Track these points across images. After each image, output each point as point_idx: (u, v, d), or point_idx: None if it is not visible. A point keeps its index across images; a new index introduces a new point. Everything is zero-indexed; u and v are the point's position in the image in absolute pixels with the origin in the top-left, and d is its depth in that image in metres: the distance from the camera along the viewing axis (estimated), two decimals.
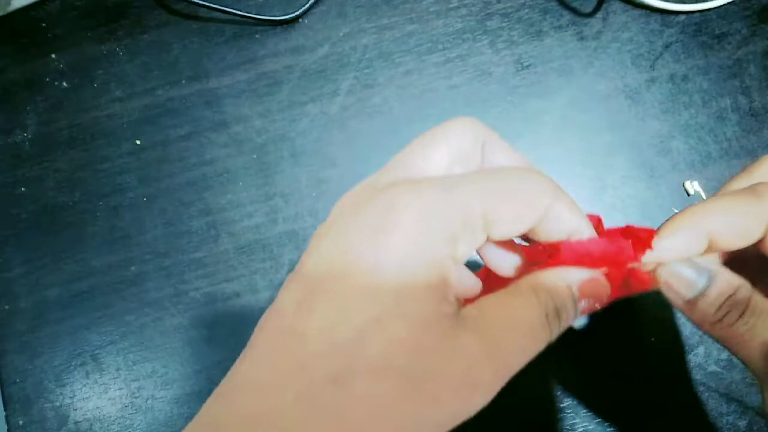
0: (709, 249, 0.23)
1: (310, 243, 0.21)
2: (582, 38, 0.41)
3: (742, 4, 0.41)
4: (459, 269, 0.21)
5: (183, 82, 0.42)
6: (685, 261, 0.23)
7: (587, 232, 0.23)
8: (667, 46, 0.41)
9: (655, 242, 0.23)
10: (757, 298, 0.22)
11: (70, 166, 0.41)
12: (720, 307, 0.22)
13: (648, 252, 0.23)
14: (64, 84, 0.42)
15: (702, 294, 0.23)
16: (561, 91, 0.41)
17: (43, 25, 0.43)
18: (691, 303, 0.23)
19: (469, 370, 0.19)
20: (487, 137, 0.23)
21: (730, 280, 0.23)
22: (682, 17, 0.41)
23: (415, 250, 0.19)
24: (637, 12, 0.41)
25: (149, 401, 0.39)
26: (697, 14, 0.41)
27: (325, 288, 0.19)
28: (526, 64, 0.41)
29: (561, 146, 0.40)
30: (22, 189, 0.41)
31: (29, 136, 0.42)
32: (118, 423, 0.39)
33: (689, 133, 0.40)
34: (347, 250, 0.19)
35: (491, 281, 0.24)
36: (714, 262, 0.24)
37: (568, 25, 0.42)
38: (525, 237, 0.24)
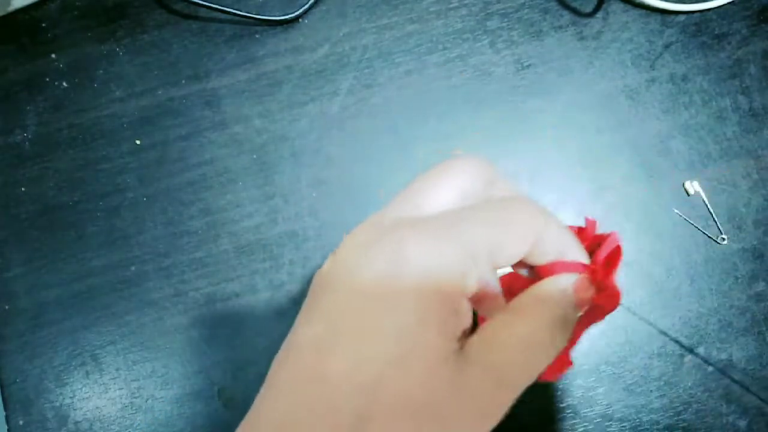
0: None
1: (321, 276, 0.22)
2: (582, 38, 0.41)
3: (742, 4, 0.41)
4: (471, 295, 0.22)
5: (183, 82, 0.42)
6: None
7: (574, 251, 0.23)
8: (667, 46, 0.41)
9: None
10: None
11: (70, 166, 0.41)
12: None
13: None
14: (64, 84, 0.42)
15: None
16: (561, 91, 0.41)
17: (43, 25, 0.43)
18: None
19: (478, 403, 0.20)
20: (492, 176, 0.24)
21: None
22: (682, 17, 0.41)
23: (427, 291, 0.19)
24: (637, 12, 0.41)
25: (149, 401, 0.39)
26: (697, 14, 0.41)
27: (342, 328, 0.20)
28: (526, 64, 0.41)
29: (561, 146, 0.40)
30: (22, 189, 0.41)
31: (29, 136, 0.42)
32: (118, 423, 0.39)
33: (689, 133, 0.40)
34: (361, 290, 0.20)
35: (515, 287, 0.24)
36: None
37: (568, 25, 0.42)
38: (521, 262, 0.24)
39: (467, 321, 0.21)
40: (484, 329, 0.21)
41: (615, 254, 0.24)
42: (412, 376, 0.19)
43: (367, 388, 0.19)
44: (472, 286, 0.20)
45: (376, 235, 0.21)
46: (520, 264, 0.24)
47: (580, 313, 0.23)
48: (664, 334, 0.38)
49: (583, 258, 0.23)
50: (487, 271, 0.21)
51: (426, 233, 0.20)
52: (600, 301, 0.23)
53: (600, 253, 0.24)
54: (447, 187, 0.23)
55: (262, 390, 0.21)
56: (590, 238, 0.25)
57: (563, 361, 0.26)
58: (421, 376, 0.19)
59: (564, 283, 0.22)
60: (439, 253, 0.20)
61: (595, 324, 0.25)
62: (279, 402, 0.20)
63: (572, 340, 0.25)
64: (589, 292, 0.23)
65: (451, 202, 0.22)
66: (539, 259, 0.23)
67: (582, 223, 0.26)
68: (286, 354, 0.21)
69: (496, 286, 0.22)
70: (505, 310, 0.22)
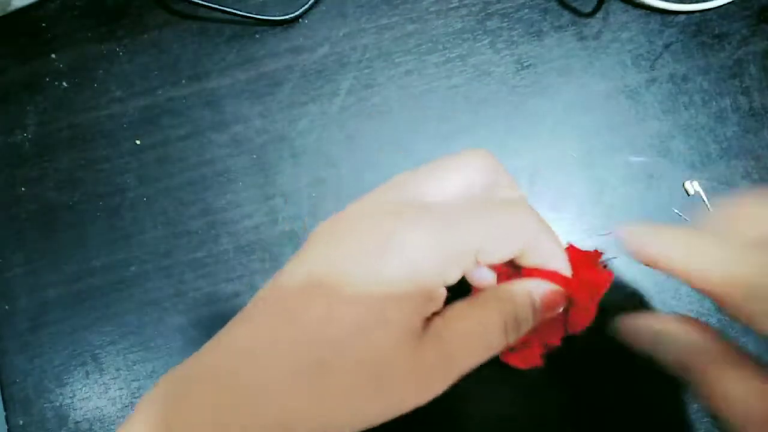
0: None
1: (322, 227, 0.24)
2: (582, 38, 0.41)
3: (742, 4, 0.41)
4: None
5: (183, 82, 0.42)
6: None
7: (557, 262, 0.25)
8: (667, 46, 0.41)
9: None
10: None
11: (70, 166, 0.41)
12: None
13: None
14: (64, 84, 0.42)
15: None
16: (561, 91, 0.41)
17: (43, 25, 0.43)
18: None
19: (425, 378, 0.22)
20: (497, 173, 0.25)
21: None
22: (682, 17, 0.41)
23: (409, 276, 0.22)
24: (637, 12, 0.41)
25: None
26: (697, 14, 0.41)
27: (326, 286, 0.22)
28: (526, 64, 0.41)
29: (561, 146, 0.40)
30: (22, 189, 0.41)
31: (29, 136, 0.42)
32: (118, 423, 0.39)
33: (689, 133, 0.40)
34: (350, 257, 0.22)
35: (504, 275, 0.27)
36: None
37: (568, 25, 0.42)
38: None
39: (439, 305, 0.23)
40: (447, 311, 0.24)
41: (601, 281, 0.26)
42: (375, 344, 0.21)
43: (334, 342, 0.21)
44: (454, 278, 0.23)
45: (379, 211, 0.23)
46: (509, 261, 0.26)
47: (535, 319, 0.25)
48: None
49: (563, 270, 0.25)
50: (470, 267, 0.23)
51: (422, 227, 0.22)
52: (573, 315, 0.26)
53: (585, 273, 0.26)
54: (452, 180, 0.24)
55: (236, 317, 0.24)
56: (590, 265, 0.27)
57: (534, 356, 0.29)
58: (384, 345, 0.21)
59: (527, 287, 0.25)
60: (429, 250, 0.22)
61: (571, 333, 0.28)
62: (256, 335, 0.22)
63: (543, 341, 0.28)
64: (555, 301, 0.25)
65: (454, 195, 0.24)
66: (524, 262, 0.25)
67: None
68: (270, 290, 0.23)
69: (475, 281, 0.25)
70: (470, 299, 0.24)
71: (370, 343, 0.21)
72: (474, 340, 0.23)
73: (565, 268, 0.26)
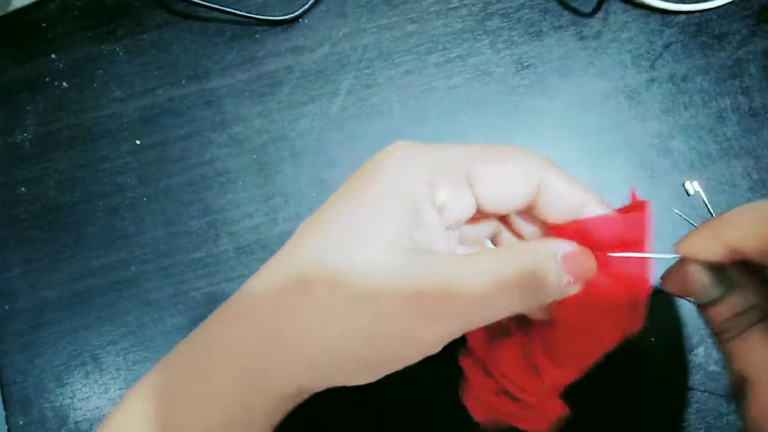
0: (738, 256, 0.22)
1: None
2: (582, 38, 0.41)
3: (742, 4, 0.41)
4: (440, 224, 0.22)
5: (183, 82, 0.42)
6: (708, 267, 0.22)
7: (594, 207, 0.22)
8: (667, 46, 0.41)
9: (678, 243, 0.22)
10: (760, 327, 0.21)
11: (70, 166, 0.41)
12: (723, 321, 0.22)
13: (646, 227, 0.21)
14: (64, 84, 0.42)
15: (714, 303, 0.22)
16: (561, 91, 0.41)
17: (43, 25, 0.43)
18: (703, 307, 0.23)
19: (418, 297, 0.20)
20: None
21: (739, 301, 0.22)
22: (682, 17, 0.41)
23: (392, 184, 0.21)
24: (637, 12, 0.41)
25: None
26: (697, 14, 0.41)
27: (320, 218, 0.23)
28: (526, 64, 0.41)
29: (561, 146, 0.40)
30: (22, 189, 0.41)
31: (29, 136, 0.42)
32: None
33: (689, 133, 0.40)
34: (346, 189, 0.23)
35: None
36: (743, 274, 0.22)
37: (568, 25, 0.42)
38: (541, 224, 0.23)
39: (432, 230, 0.21)
40: (455, 255, 0.21)
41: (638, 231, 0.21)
42: (351, 258, 0.21)
43: (311, 262, 0.21)
44: (443, 199, 0.21)
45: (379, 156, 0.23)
46: (536, 221, 0.23)
47: (559, 285, 0.21)
48: (664, 333, 0.38)
49: (603, 229, 0.21)
50: (465, 194, 0.22)
51: (412, 147, 0.22)
52: (613, 317, 0.22)
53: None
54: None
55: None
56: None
57: (541, 420, 0.25)
58: (361, 259, 0.20)
59: (550, 245, 0.21)
60: (413, 158, 0.22)
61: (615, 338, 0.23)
62: (264, 270, 0.24)
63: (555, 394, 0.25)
64: (583, 265, 0.21)
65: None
66: (549, 215, 0.22)
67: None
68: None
69: (469, 208, 0.22)
70: (485, 249, 0.23)
71: (345, 255, 0.21)
72: (485, 279, 0.20)
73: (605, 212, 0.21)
